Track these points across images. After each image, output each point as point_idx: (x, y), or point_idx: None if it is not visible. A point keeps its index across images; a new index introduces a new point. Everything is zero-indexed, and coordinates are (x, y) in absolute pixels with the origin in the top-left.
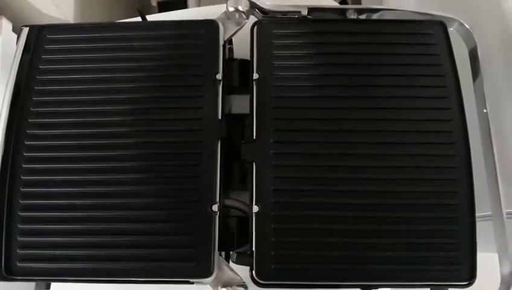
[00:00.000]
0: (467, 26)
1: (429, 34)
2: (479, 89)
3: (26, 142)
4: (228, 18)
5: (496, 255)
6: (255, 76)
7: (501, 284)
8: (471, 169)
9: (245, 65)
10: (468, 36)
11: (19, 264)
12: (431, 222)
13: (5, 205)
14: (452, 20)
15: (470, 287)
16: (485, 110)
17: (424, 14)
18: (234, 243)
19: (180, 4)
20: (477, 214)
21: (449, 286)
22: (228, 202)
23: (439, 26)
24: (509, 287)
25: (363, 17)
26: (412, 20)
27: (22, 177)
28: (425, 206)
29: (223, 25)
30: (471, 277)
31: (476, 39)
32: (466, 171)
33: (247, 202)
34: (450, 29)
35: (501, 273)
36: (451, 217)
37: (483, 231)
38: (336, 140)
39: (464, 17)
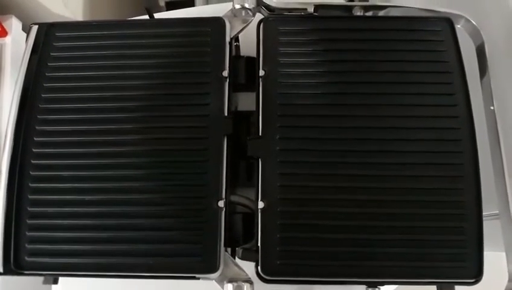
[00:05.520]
0: (474, 23)
1: (436, 30)
2: (487, 86)
3: (35, 139)
4: (235, 15)
5: (504, 254)
6: (261, 73)
7: (509, 281)
8: (478, 166)
9: (251, 62)
10: (475, 33)
11: (27, 258)
12: (438, 218)
13: (14, 200)
14: (459, 16)
15: (477, 284)
16: (492, 108)
17: (431, 11)
18: (240, 239)
19: (188, 4)
20: (484, 213)
21: (456, 283)
22: (234, 198)
23: (446, 23)
24: None
25: (369, 14)
26: (418, 17)
27: (31, 172)
28: (432, 203)
29: (230, 22)
30: (478, 274)
31: (483, 36)
32: (473, 168)
33: (253, 198)
34: (457, 26)
35: (509, 271)
36: (458, 214)
37: (491, 230)
38: (341, 137)
39: (470, 14)
